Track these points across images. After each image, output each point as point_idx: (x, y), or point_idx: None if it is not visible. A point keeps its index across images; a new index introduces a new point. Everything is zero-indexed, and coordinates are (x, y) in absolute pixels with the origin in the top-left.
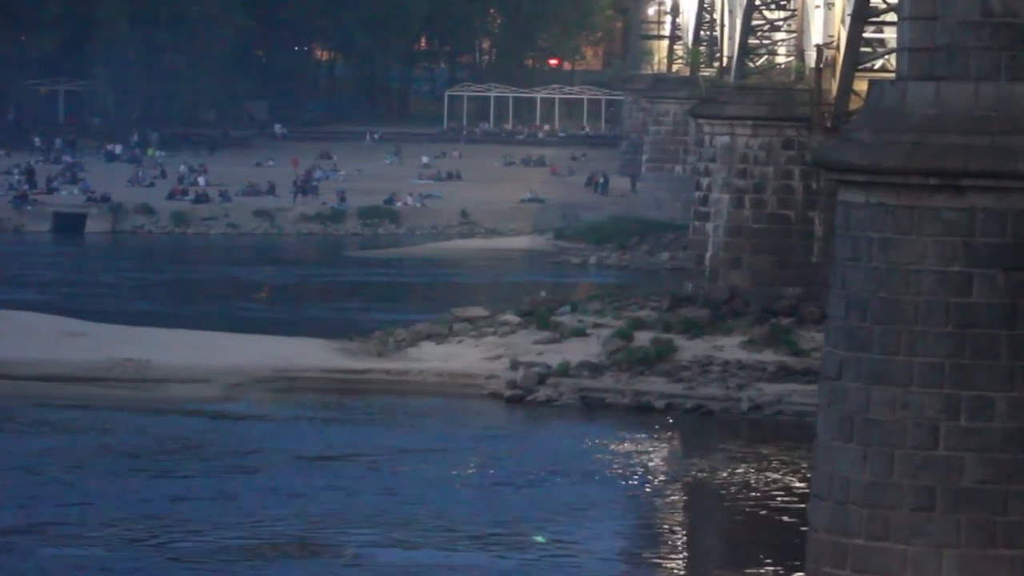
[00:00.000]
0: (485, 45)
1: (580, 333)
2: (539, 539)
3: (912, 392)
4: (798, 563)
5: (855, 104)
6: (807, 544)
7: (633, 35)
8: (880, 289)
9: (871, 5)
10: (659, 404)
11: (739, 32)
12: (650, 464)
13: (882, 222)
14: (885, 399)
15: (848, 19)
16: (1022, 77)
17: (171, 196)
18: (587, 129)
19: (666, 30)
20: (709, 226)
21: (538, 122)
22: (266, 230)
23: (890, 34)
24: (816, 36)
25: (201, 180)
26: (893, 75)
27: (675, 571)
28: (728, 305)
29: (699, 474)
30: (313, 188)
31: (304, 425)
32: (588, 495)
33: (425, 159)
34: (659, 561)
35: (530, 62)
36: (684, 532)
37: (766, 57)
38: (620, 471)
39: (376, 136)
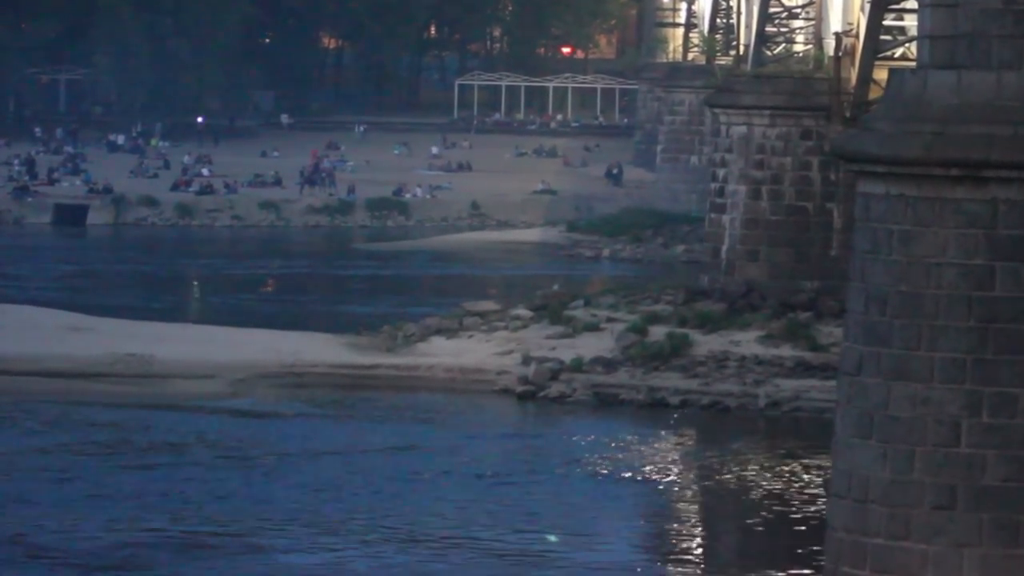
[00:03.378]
0: (496, 33)
1: (593, 328)
2: (551, 538)
3: (933, 388)
4: (817, 563)
5: (875, 93)
6: (826, 543)
7: (648, 23)
8: (900, 282)
9: None
10: (674, 400)
11: (756, 20)
12: (665, 462)
13: (902, 214)
14: (906, 395)
15: (868, 6)
16: None
17: (175, 187)
18: (601, 119)
19: (681, 18)
20: (725, 218)
21: (550, 112)
22: (272, 222)
23: (911, 21)
24: (835, 23)
25: (205, 171)
26: (914, 64)
27: (690, 571)
28: (745, 299)
29: (715, 472)
30: (321, 179)
31: (310, 422)
32: (601, 493)
33: (435, 149)
34: (674, 561)
35: (542, 50)
36: (699, 531)
37: (784, 45)
38: (634, 469)
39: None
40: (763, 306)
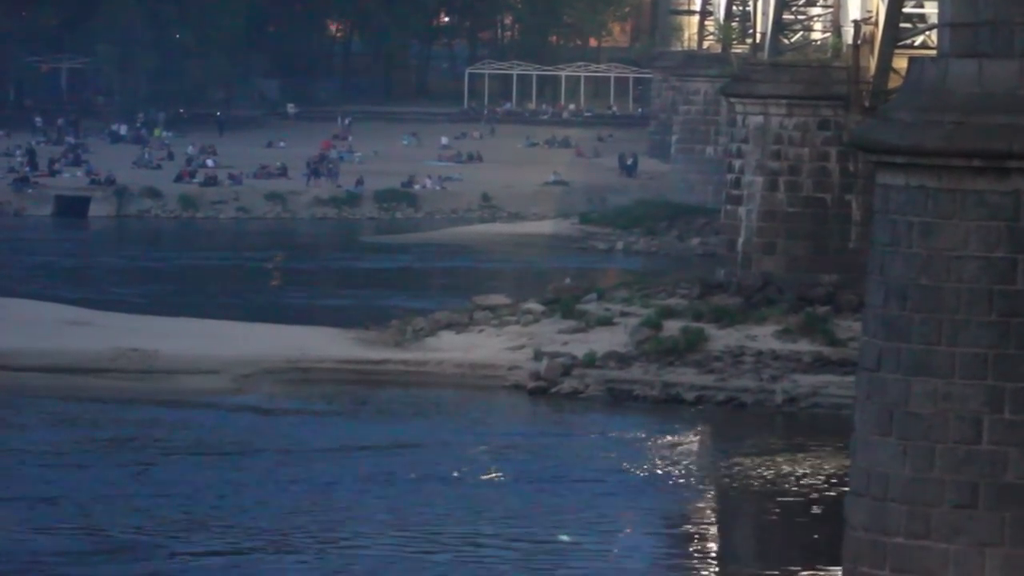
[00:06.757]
0: (507, 20)
1: (607, 322)
2: (564, 538)
3: (954, 384)
4: (835, 562)
5: (894, 82)
6: (845, 542)
7: (662, 10)
8: (920, 276)
9: None
10: (689, 396)
11: (773, 7)
12: (680, 459)
13: (923, 206)
14: (926, 391)
15: None
16: None
17: (179, 179)
18: (614, 109)
19: (696, 5)
20: (742, 210)
21: (563, 101)
22: (278, 214)
23: (931, 9)
24: (854, 11)
25: (210, 162)
26: (934, 52)
27: (706, 570)
28: (761, 293)
29: (731, 469)
30: (329, 171)
31: (317, 418)
32: (615, 491)
33: (444, 140)
34: (689, 560)
35: (554, 38)
36: (715, 530)
37: (801, 33)
38: (648, 466)
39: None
40: (780, 300)
